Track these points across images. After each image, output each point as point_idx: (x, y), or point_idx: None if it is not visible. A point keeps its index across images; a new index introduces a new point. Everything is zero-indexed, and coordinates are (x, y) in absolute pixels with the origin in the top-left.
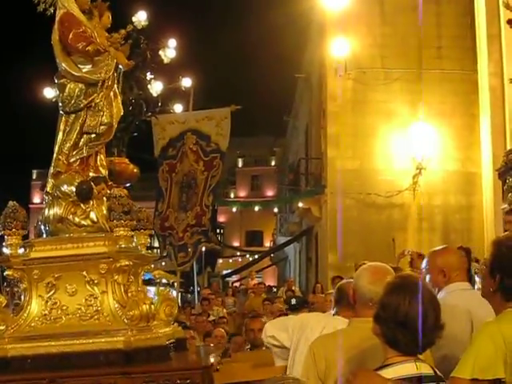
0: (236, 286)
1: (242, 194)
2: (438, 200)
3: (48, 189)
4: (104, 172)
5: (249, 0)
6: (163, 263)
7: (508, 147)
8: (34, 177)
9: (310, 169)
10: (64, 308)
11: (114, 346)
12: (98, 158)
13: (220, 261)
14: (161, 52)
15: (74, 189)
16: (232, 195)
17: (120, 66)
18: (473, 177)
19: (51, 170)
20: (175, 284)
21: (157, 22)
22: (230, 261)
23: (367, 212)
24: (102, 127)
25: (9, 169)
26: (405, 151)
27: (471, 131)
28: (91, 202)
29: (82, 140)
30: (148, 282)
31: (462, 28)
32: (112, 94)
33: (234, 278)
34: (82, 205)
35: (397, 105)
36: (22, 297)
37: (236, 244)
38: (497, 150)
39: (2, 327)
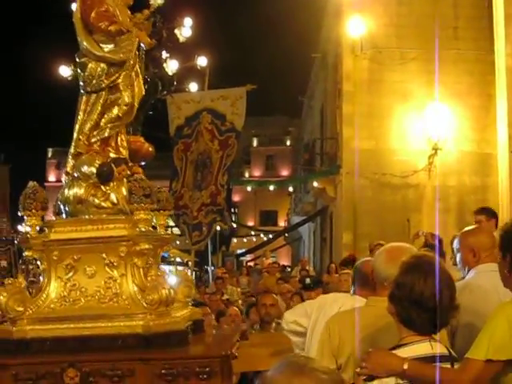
0: (250, 266)
1: (257, 173)
2: (453, 181)
3: (68, 169)
4: (124, 153)
5: None
6: (177, 242)
7: None
8: (50, 155)
9: (325, 149)
10: (83, 290)
11: (132, 330)
12: (119, 138)
13: (234, 240)
14: (176, 31)
15: (94, 170)
16: (247, 174)
17: (142, 45)
18: (488, 158)
19: (71, 150)
20: (189, 263)
21: (173, 1)
22: (245, 240)
23: (382, 192)
24: (123, 107)
25: (24, 146)
26: (420, 131)
27: (487, 112)
28: (111, 184)
29: (103, 120)
30: (163, 260)
31: (479, 8)
32: (134, 73)
33: (248, 257)
34: (102, 186)
35: (412, 85)
36: (41, 277)
37: (250, 223)
38: None
39: (21, 308)
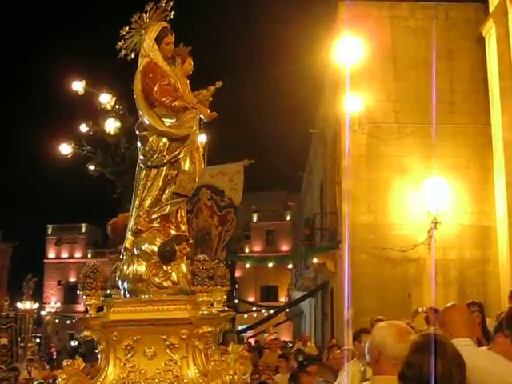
0: (251, 342)
1: (257, 248)
2: (452, 254)
3: (127, 245)
4: (184, 228)
5: (265, 55)
6: None
7: None
8: (49, 232)
9: (325, 224)
10: (142, 372)
11: None
12: (179, 214)
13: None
14: None
15: (155, 249)
16: (247, 250)
17: (202, 117)
18: (488, 230)
19: (130, 225)
20: None
21: None
22: (245, 316)
23: (382, 267)
24: (185, 189)
25: (24, 224)
26: (419, 205)
27: (485, 185)
28: (173, 263)
29: (164, 196)
30: None
31: (475, 83)
32: (194, 148)
33: (250, 333)
34: (163, 266)
35: (411, 159)
36: (99, 359)
37: (251, 299)
38: (511, 204)
39: None
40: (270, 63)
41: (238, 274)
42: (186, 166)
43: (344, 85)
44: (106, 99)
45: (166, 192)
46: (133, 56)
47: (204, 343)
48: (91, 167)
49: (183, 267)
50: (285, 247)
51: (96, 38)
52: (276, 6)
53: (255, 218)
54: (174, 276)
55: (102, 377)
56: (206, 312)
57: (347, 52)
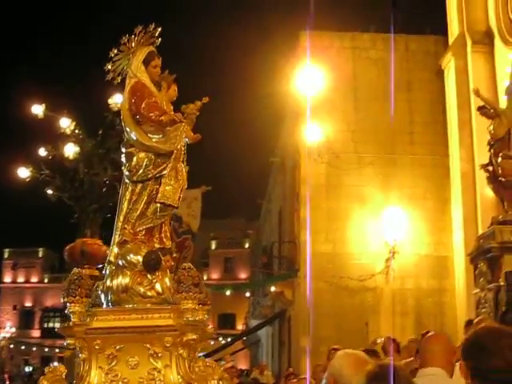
0: None
1: (215, 276)
2: (410, 284)
3: (111, 258)
4: (168, 243)
5: (227, 83)
6: None
7: (479, 232)
8: (6, 256)
9: (284, 252)
10: (125, 381)
11: None
12: (163, 229)
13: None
14: None
15: (140, 258)
16: (205, 277)
17: (186, 140)
18: (445, 261)
19: (115, 238)
20: None
21: None
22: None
23: (340, 295)
24: (169, 198)
25: None
26: (378, 235)
27: (443, 215)
28: (157, 273)
29: (149, 210)
30: None
31: (434, 114)
32: (179, 165)
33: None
34: (148, 275)
35: (369, 189)
36: (81, 367)
37: (209, 327)
38: (468, 235)
39: None
40: (232, 91)
41: None
42: (171, 180)
43: (304, 114)
44: (65, 123)
45: (151, 206)
46: (119, 80)
47: (187, 351)
48: (49, 191)
49: (166, 280)
50: (243, 275)
51: (56, 63)
52: (238, 34)
53: (213, 245)
54: (158, 286)
55: None
56: (190, 319)
57: (308, 82)
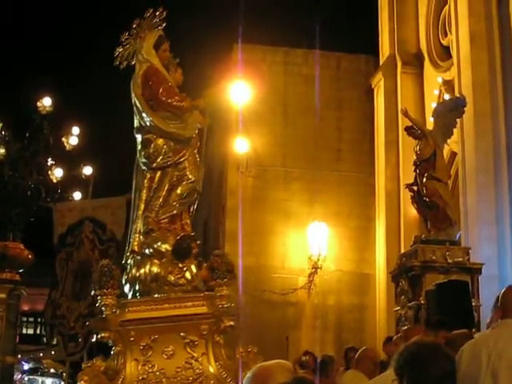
0: None
1: None
2: (331, 299)
3: (135, 247)
4: (189, 230)
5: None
6: (52, 352)
7: (402, 251)
8: None
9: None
10: (162, 371)
11: None
12: (183, 215)
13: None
14: (64, 138)
15: (168, 247)
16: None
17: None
18: (367, 278)
19: (137, 227)
20: (64, 374)
21: (62, 108)
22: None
23: (262, 309)
24: (189, 184)
25: None
26: (301, 250)
27: (367, 233)
28: (186, 261)
29: (171, 197)
30: (35, 371)
31: (362, 133)
32: (196, 151)
33: None
34: (179, 263)
35: (295, 204)
36: (115, 360)
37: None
38: (391, 253)
39: None
40: None
41: None
42: (191, 165)
43: (233, 126)
44: None
45: (173, 193)
46: (125, 65)
47: (224, 338)
48: None
49: (193, 267)
50: None
51: None
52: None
53: None
54: (187, 274)
55: (121, 378)
56: (225, 305)
57: (239, 94)
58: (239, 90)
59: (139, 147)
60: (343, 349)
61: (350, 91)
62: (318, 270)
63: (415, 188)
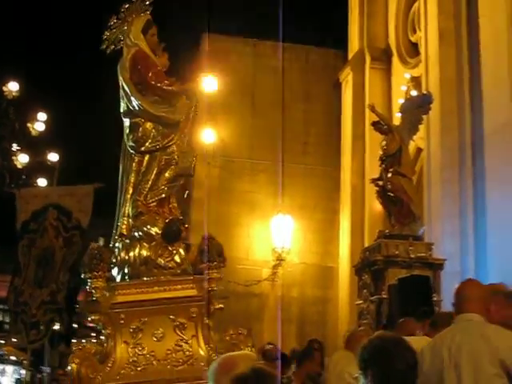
0: None
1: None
2: (295, 292)
3: (123, 231)
4: (177, 213)
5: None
6: (14, 339)
7: (366, 245)
8: None
9: None
10: (152, 354)
11: None
12: (171, 199)
13: (74, 341)
14: (29, 124)
15: (157, 230)
16: None
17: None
18: (330, 271)
19: (125, 211)
20: (24, 362)
21: (28, 94)
22: (84, 341)
23: (226, 300)
24: (177, 169)
25: None
26: (266, 242)
27: (331, 226)
28: (175, 244)
29: (160, 181)
30: None
31: (329, 126)
32: (183, 135)
33: None
34: (169, 247)
35: (261, 196)
36: (106, 343)
37: (92, 324)
38: (355, 247)
39: (92, 375)
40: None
41: (80, 297)
42: (179, 151)
43: (200, 116)
44: None
45: (161, 177)
46: (112, 48)
47: (214, 321)
48: None
49: (182, 250)
50: None
51: None
52: None
53: (102, 242)
54: (177, 257)
55: (111, 361)
56: (215, 288)
57: (207, 84)
58: (207, 81)
59: (127, 131)
60: (306, 341)
61: (318, 85)
62: (282, 263)
63: (380, 183)
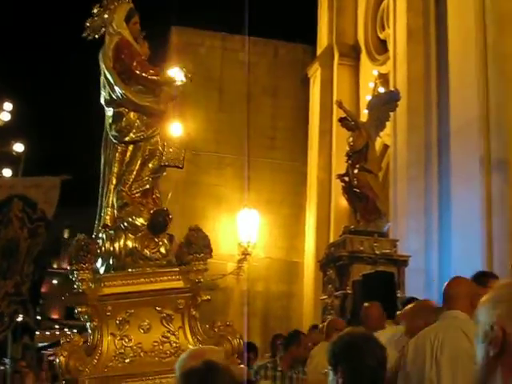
0: (51, 360)
1: (66, 265)
2: (260, 286)
3: (107, 221)
4: (160, 204)
5: (93, 74)
6: None
7: (331, 240)
8: None
9: None
10: (139, 345)
11: None
12: (154, 190)
13: (37, 333)
14: None
15: (143, 221)
16: (55, 266)
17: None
18: (296, 266)
19: (109, 201)
20: None
21: None
22: (48, 333)
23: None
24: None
25: None
26: (231, 236)
27: (297, 221)
28: (161, 235)
29: (144, 171)
30: None
31: (296, 121)
32: (167, 126)
33: (51, 351)
34: (155, 238)
35: (227, 190)
36: (92, 336)
37: (55, 316)
38: (320, 242)
39: (81, 368)
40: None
41: (44, 289)
42: (164, 141)
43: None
44: None
45: (145, 167)
46: (95, 36)
47: (200, 312)
48: None
49: (166, 241)
50: None
51: None
52: None
53: (66, 234)
54: (162, 248)
55: (98, 353)
56: (202, 280)
57: (174, 77)
58: (175, 73)
59: (110, 120)
60: (270, 336)
61: (287, 80)
62: (248, 257)
63: (346, 179)
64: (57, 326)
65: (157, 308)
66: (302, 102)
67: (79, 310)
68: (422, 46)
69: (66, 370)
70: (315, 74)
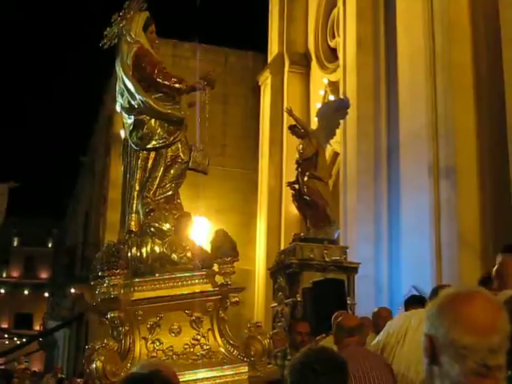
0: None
1: (15, 274)
2: None
3: (132, 227)
4: (183, 209)
5: (41, 79)
6: None
7: (282, 247)
8: None
9: (87, 254)
10: (171, 349)
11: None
12: (176, 196)
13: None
14: None
15: (169, 226)
16: (4, 275)
17: None
18: (247, 274)
19: (132, 207)
20: None
21: None
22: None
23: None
24: (183, 165)
25: None
26: None
27: (248, 229)
28: (188, 240)
29: (167, 177)
30: None
31: (247, 129)
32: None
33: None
34: (182, 242)
35: None
36: (123, 341)
37: (4, 326)
38: (271, 250)
39: (117, 372)
40: (49, 85)
41: None
42: (183, 147)
43: (118, 117)
44: None
45: (167, 174)
46: (109, 45)
47: (227, 314)
48: None
49: (193, 245)
50: (44, 275)
51: None
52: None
53: (16, 242)
54: (189, 253)
55: (131, 357)
56: (229, 282)
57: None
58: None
59: (131, 128)
60: None
61: (237, 87)
62: None
63: (296, 186)
64: (6, 336)
65: (186, 311)
66: (253, 110)
67: (112, 315)
68: (371, 54)
69: (103, 375)
70: (266, 81)
